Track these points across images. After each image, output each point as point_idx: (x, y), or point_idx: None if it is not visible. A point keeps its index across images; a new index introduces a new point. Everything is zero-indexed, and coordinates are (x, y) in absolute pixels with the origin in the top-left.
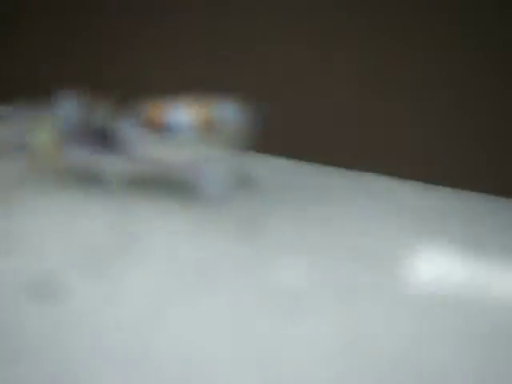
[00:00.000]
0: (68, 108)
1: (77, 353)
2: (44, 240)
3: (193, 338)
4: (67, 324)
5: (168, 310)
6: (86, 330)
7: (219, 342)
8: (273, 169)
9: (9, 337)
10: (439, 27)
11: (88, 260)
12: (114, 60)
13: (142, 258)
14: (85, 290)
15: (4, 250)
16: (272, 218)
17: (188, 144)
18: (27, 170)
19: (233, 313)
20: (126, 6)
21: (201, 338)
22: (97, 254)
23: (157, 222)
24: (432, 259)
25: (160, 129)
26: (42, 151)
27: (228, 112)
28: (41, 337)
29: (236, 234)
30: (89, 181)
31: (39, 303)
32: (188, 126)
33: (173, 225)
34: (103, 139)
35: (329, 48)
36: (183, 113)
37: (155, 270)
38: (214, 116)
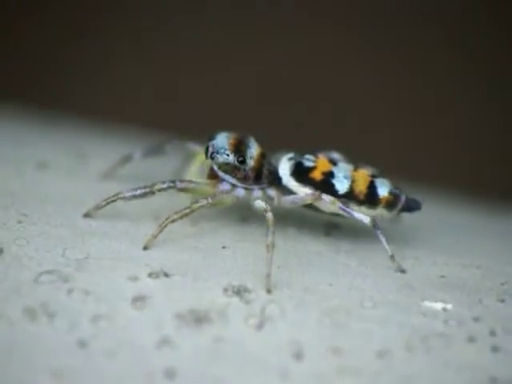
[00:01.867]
0: (221, 142)
1: None
2: None
3: None
4: None
5: None
6: None
7: None
8: None
9: None
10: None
11: None
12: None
13: None
14: None
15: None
16: None
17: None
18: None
19: None
20: None
21: None
22: None
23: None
24: None
25: (316, 183)
26: (197, 187)
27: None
28: None
29: None
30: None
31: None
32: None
33: None
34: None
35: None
36: (346, 178)
37: None
38: (372, 190)
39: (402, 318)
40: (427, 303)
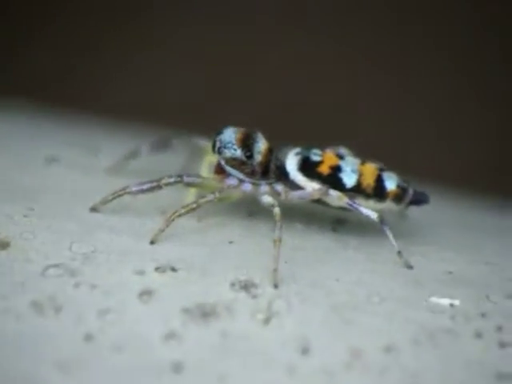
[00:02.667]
0: (228, 137)
1: None
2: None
3: None
4: None
5: None
6: None
7: None
8: None
9: None
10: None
11: None
12: None
13: None
14: None
15: None
16: None
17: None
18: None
19: None
20: None
21: None
22: None
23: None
24: None
25: (324, 177)
26: (204, 182)
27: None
28: None
29: None
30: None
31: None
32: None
33: None
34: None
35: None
36: (353, 172)
37: None
38: (380, 184)
39: (409, 313)
40: (434, 299)
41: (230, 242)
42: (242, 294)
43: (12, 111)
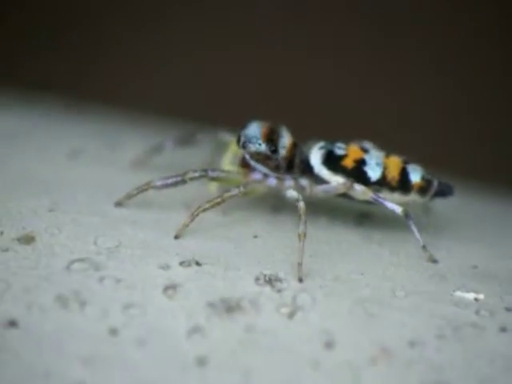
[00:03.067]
0: (253, 131)
1: None
2: None
3: None
4: None
5: None
6: None
7: None
8: None
9: None
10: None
11: None
12: None
13: None
14: None
15: None
16: None
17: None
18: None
19: None
20: None
21: None
22: None
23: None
24: None
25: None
26: (229, 176)
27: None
28: None
29: None
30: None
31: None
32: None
33: None
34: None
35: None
36: (378, 165)
37: None
38: (404, 176)
39: (433, 307)
40: (459, 293)
41: (255, 237)
42: (267, 289)
43: (34, 106)
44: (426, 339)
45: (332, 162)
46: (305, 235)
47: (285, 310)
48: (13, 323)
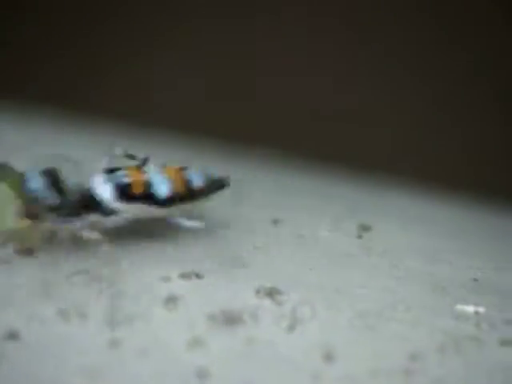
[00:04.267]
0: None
1: None
2: None
3: None
4: None
5: None
6: None
7: None
8: None
9: None
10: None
11: None
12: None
13: None
14: None
15: None
16: None
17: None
18: None
19: None
20: None
21: None
22: None
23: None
24: None
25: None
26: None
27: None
28: None
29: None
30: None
31: None
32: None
33: None
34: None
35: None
36: (163, 183)
37: None
38: (189, 184)
39: (434, 321)
40: (459, 306)
41: (255, 248)
42: (267, 301)
43: (35, 116)
44: (426, 352)
45: (124, 195)
46: None
47: (285, 323)
48: (13, 335)
